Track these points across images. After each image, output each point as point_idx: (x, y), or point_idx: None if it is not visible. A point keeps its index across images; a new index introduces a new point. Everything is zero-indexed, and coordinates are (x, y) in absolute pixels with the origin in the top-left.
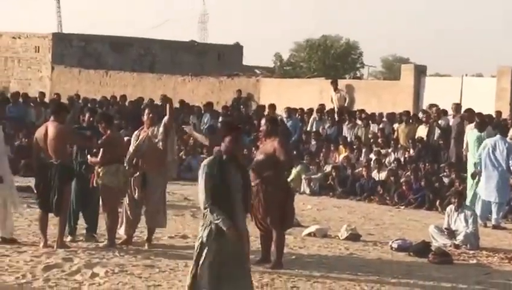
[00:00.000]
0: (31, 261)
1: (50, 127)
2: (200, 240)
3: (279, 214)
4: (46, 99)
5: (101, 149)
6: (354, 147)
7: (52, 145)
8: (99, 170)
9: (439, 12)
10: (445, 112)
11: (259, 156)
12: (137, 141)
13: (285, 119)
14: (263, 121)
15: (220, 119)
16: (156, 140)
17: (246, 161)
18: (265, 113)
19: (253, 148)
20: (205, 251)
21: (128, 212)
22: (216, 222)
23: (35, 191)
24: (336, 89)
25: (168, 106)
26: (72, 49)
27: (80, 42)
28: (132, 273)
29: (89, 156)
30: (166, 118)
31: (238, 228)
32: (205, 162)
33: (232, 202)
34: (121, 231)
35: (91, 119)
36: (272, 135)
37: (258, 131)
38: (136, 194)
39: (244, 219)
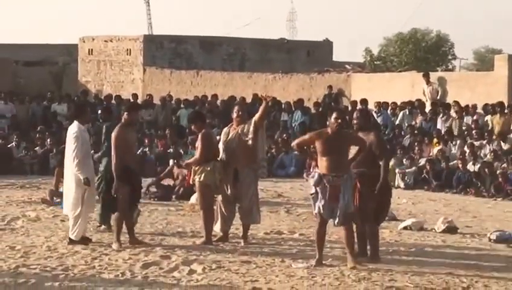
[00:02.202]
0: (129, 259)
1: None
2: None
3: (374, 208)
4: (139, 101)
5: (199, 148)
6: (448, 139)
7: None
8: (196, 168)
9: None
10: None
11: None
12: (226, 138)
13: (375, 114)
14: (355, 115)
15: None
16: (246, 138)
17: None
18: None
19: None
20: None
21: (223, 209)
22: None
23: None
24: (428, 82)
25: (264, 104)
26: (163, 51)
27: (170, 43)
28: (229, 270)
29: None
30: (256, 116)
31: None
32: None
33: None
34: (217, 228)
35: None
36: (365, 129)
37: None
38: (229, 191)
39: None
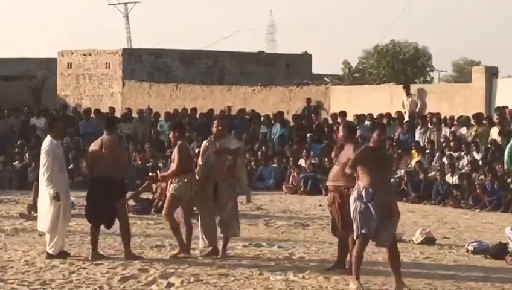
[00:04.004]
0: (107, 272)
1: (105, 141)
2: None
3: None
4: (117, 114)
5: (176, 160)
6: (427, 151)
7: (106, 159)
8: (173, 179)
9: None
10: None
11: (335, 168)
12: (206, 151)
13: None
14: (340, 128)
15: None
16: (226, 160)
17: (319, 170)
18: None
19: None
20: None
21: (203, 222)
22: None
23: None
24: (408, 94)
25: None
26: (142, 64)
27: (149, 57)
28: (207, 283)
29: (158, 172)
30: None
31: None
32: None
33: None
34: (200, 244)
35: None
36: (349, 142)
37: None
38: (208, 204)
39: None
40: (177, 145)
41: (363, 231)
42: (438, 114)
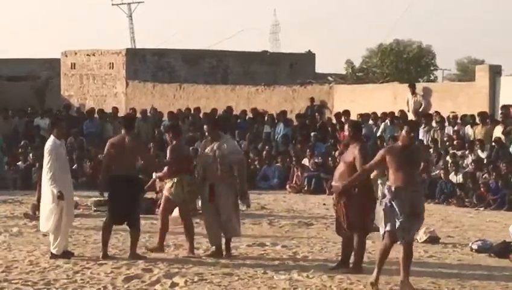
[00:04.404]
0: (111, 272)
1: (127, 141)
2: None
3: (361, 219)
4: (120, 114)
5: (168, 161)
6: (430, 150)
7: (128, 158)
8: (167, 181)
9: None
10: None
11: (340, 167)
12: (203, 152)
13: None
14: (346, 126)
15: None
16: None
17: (323, 169)
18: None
19: (333, 155)
20: None
21: (207, 222)
22: None
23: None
24: (413, 93)
25: None
26: (146, 64)
27: (153, 57)
28: (211, 282)
29: (154, 173)
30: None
31: None
32: None
33: None
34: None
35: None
36: (355, 141)
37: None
38: (207, 205)
39: None
40: (169, 146)
41: (387, 229)
42: (438, 113)
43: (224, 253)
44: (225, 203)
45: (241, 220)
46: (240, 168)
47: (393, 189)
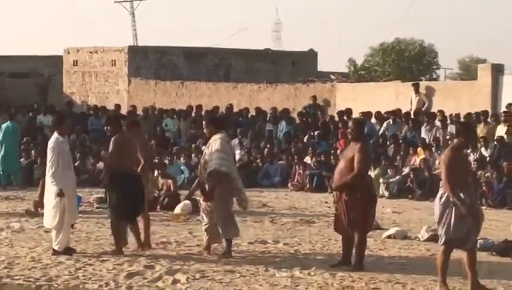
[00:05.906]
0: (113, 269)
1: (133, 139)
2: None
3: (361, 217)
4: (122, 112)
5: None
6: (433, 148)
7: (133, 155)
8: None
9: None
10: None
11: (340, 163)
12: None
13: None
14: (350, 124)
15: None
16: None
17: (325, 167)
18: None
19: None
20: None
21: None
22: None
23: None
24: (417, 92)
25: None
26: (148, 61)
27: (155, 54)
28: (213, 279)
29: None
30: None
31: None
32: None
33: None
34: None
35: None
36: (357, 139)
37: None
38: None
39: None
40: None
41: (453, 237)
42: (441, 112)
43: (223, 253)
44: (218, 205)
45: (242, 218)
46: (208, 180)
47: (462, 195)
